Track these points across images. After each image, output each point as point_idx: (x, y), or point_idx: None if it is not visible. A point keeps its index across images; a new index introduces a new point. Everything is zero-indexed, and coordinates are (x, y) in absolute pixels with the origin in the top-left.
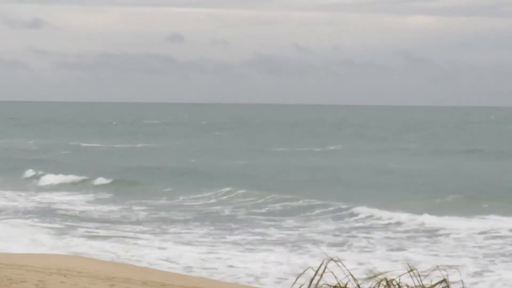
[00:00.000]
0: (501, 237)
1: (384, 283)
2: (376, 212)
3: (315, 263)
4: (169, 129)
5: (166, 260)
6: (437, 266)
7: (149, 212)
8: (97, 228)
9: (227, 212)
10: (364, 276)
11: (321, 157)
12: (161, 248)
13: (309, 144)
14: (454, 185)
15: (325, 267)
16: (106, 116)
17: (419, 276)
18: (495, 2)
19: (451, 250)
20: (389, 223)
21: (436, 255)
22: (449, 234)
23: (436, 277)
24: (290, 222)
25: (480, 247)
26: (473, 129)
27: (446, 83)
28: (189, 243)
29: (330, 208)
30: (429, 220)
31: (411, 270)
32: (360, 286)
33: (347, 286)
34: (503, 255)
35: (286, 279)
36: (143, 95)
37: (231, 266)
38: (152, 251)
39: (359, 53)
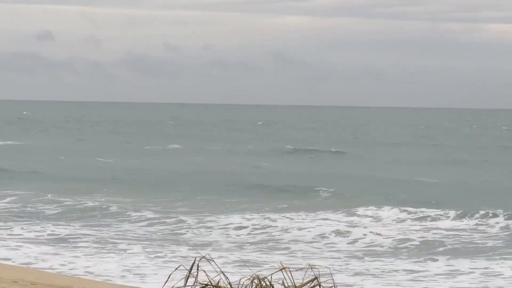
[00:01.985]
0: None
1: (256, 281)
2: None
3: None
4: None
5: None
6: (309, 265)
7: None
8: None
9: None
10: (238, 275)
11: (149, 157)
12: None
13: (151, 143)
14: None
15: (198, 265)
16: None
17: (291, 274)
18: (369, 3)
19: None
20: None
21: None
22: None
23: (308, 275)
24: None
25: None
26: (327, 128)
27: (318, 83)
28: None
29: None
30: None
31: (283, 268)
32: (232, 284)
33: (219, 284)
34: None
35: (155, 274)
36: (11, 93)
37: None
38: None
39: (231, 53)
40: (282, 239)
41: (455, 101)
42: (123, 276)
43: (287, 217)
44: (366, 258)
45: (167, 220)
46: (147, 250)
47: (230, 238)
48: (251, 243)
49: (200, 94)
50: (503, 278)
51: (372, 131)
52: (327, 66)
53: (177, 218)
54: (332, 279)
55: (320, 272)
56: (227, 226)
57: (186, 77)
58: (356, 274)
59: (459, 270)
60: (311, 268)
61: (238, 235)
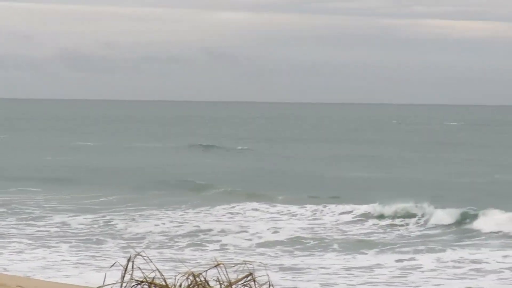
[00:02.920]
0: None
1: (191, 277)
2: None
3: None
4: None
5: None
6: (244, 261)
7: None
8: None
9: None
10: (172, 271)
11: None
12: None
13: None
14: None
15: (133, 262)
16: None
17: (226, 270)
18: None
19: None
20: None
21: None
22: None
23: (243, 271)
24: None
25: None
26: (249, 124)
27: (252, 79)
28: None
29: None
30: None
31: (218, 265)
32: (167, 281)
33: (154, 281)
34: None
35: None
36: None
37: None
38: None
39: (165, 49)
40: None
41: (394, 96)
42: (47, 273)
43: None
44: (279, 252)
45: (83, 217)
46: (72, 247)
47: (155, 234)
48: (182, 236)
49: (134, 91)
50: (421, 271)
51: (296, 126)
52: (262, 62)
53: (95, 214)
54: (267, 274)
55: (255, 268)
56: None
57: (120, 74)
58: (286, 269)
59: (381, 264)
60: (246, 264)
61: (164, 231)
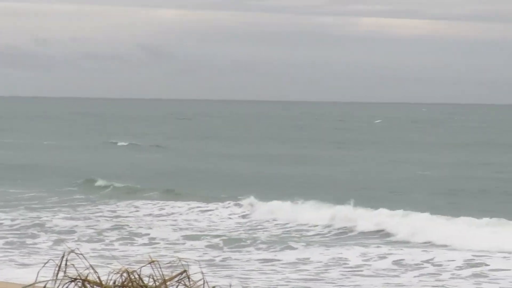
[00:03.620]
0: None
1: (125, 275)
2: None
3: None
4: None
5: None
6: (178, 258)
7: None
8: None
9: None
10: (107, 268)
11: None
12: None
13: None
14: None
15: (67, 259)
16: None
17: (160, 267)
18: None
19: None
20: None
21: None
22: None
23: (177, 267)
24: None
25: None
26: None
27: (189, 77)
28: None
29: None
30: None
31: (152, 262)
32: (101, 278)
33: (88, 278)
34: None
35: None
36: None
37: None
38: None
39: (103, 46)
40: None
41: (327, 94)
42: None
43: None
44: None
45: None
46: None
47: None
48: (111, 229)
49: (71, 88)
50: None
51: (222, 124)
52: (199, 59)
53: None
54: (201, 271)
55: (189, 265)
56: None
57: (57, 70)
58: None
59: (309, 258)
60: (180, 261)
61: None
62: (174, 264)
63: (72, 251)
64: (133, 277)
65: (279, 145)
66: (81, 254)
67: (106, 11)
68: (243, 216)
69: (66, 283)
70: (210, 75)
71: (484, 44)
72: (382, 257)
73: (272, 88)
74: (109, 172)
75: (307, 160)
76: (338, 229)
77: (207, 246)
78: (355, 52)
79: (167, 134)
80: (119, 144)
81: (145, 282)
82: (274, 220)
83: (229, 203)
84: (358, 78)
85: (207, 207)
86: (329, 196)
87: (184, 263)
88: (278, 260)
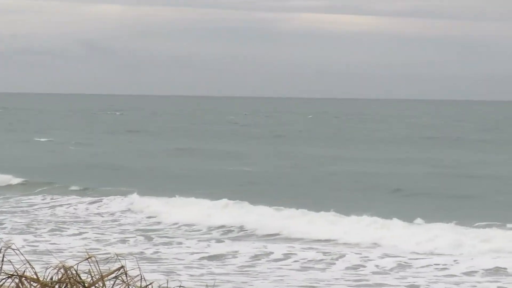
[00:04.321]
0: None
1: (62, 270)
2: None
3: None
4: None
5: None
6: (116, 254)
7: None
8: None
9: None
10: (43, 264)
11: None
12: None
13: None
14: None
15: (3, 255)
16: None
17: (98, 263)
18: None
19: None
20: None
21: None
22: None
23: (115, 264)
24: None
25: None
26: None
27: (129, 72)
28: None
29: None
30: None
31: (89, 257)
32: (38, 274)
33: (25, 274)
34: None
35: None
36: None
37: None
38: None
39: (41, 42)
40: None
41: (266, 90)
42: None
43: None
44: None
45: None
46: None
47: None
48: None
49: (10, 83)
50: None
51: (147, 120)
52: (139, 55)
53: None
54: (139, 267)
55: (127, 261)
56: None
57: None
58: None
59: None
60: (118, 257)
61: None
62: (112, 260)
63: (9, 247)
64: (70, 273)
65: (193, 140)
66: (17, 249)
67: (47, 6)
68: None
69: (3, 279)
70: (150, 71)
71: (425, 40)
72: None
73: (210, 84)
74: (21, 166)
75: (219, 155)
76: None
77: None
78: (294, 47)
79: (89, 129)
80: (38, 139)
81: (83, 278)
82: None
83: (114, 198)
84: (298, 74)
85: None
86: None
87: (121, 258)
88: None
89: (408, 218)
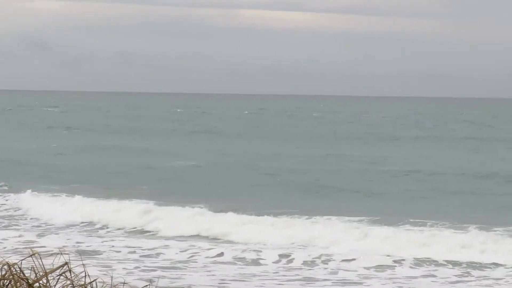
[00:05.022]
0: None
1: (6, 267)
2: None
3: None
4: None
5: None
6: (59, 250)
7: None
8: None
9: None
10: None
11: None
12: None
13: None
14: None
15: None
16: None
17: (41, 260)
18: None
19: None
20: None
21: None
22: None
23: (58, 261)
24: None
25: None
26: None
27: (70, 68)
28: None
29: None
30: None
31: (33, 254)
32: None
33: None
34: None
35: None
36: None
37: None
38: None
39: None
40: None
41: (208, 86)
42: None
43: None
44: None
45: None
46: None
47: None
48: None
49: None
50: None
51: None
52: (79, 51)
53: None
54: (83, 264)
55: (70, 258)
56: None
57: None
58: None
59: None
60: (61, 254)
61: None
62: (57, 257)
63: None
64: (14, 270)
65: (113, 137)
66: None
67: None
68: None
69: None
70: (92, 67)
71: (362, 36)
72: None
73: (153, 80)
74: None
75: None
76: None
77: None
78: (236, 44)
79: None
80: None
81: (27, 274)
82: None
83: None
84: (239, 70)
85: None
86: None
87: (65, 255)
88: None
89: None
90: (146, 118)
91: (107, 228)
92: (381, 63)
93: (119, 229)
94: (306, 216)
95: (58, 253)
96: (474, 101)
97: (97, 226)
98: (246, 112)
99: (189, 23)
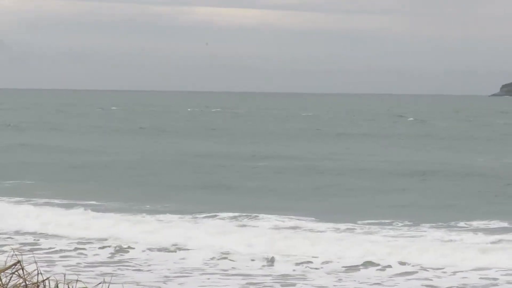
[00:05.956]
0: None
1: None
2: None
3: None
4: None
5: None
6: (12, 249)
7: None
8: None
9: None
10: None
11: None
12: None
13: None
14: None
15: None
16: None
17: None
18: None
19: None
20: None
21: None
22: None
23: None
24: None
25: None
26: None
27: (17, 65)
28: None
29: None
30: None
31: None
32: None
33: None
34: None
35: None
36: None
37: None
38: None
39: None
40: None
41: (159, 83)
42: None
43: None
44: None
45: None
46: None
47: None
48: None
49: None
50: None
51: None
52: (28, 48)
53: None
54: (35, 262)
55: (23, 256)
56: None
57: None
58: None
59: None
60: (14, 252)
61: None
62: (10, 256)
63: None
64: None
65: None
66: None
67: None
68: None
69: None
70: (41, 64)
71: (309, 33)
72: None
73: (104, 78)
74: None
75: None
76: None
77: None
78: (188, 41)
79: None
80: None
81: None
82: None
83: None
84: (191, 67)
85: None
86: None
87: (17, 253)
88: None
89: None
90: (73, 115)
91: None
92: (328, 59)
93: None
94: None
95: (10, 251)
96: (411, 97)
97: None
98: (189, 109)
99: (140, 21)
